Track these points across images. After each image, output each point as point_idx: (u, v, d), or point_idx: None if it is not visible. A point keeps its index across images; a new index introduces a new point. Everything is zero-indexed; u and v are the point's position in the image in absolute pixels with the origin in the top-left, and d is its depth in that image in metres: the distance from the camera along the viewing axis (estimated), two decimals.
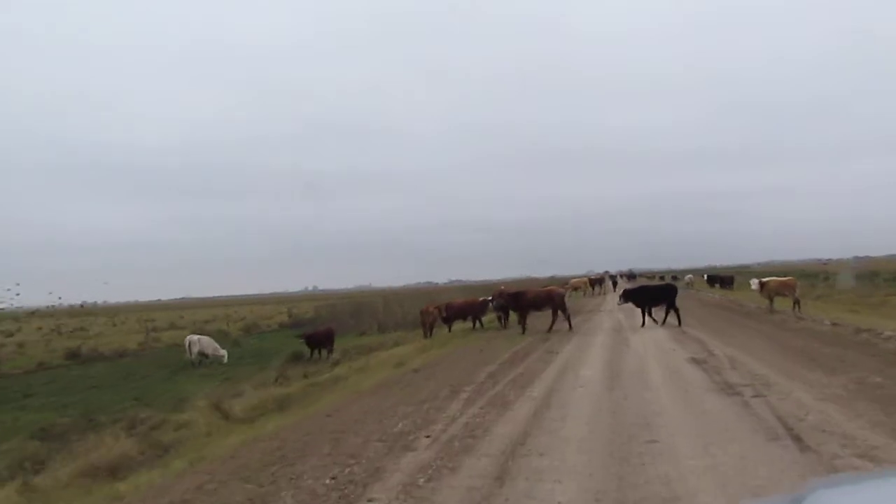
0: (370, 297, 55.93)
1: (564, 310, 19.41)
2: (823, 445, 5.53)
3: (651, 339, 15.33)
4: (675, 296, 19.51)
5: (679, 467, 5.17)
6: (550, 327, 19.34)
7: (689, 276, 58.58)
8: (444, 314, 22.16)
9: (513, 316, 20.84)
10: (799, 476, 4.70)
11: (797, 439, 5.77)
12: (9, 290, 23.26)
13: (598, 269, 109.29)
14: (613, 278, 57.12)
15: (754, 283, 21.13)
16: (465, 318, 23.28)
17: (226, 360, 24.32)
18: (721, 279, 50.49)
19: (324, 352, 22.98)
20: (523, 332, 18.88)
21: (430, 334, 21.86)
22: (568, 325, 19.16)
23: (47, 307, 30.09)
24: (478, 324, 22.90)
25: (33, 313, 34.66)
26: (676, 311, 19.07)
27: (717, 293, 39.01)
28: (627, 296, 20.09)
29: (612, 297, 41.13)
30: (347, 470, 5.78)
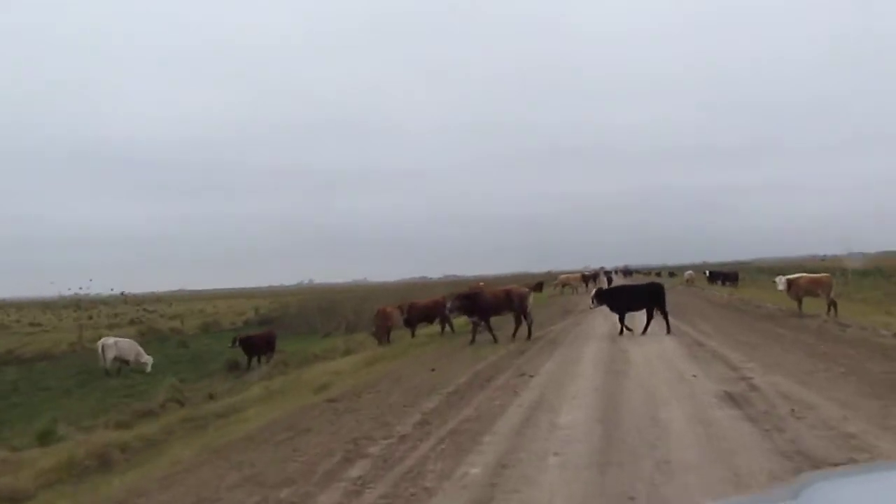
0: (348, 294, 52.23)
1: (526, 314, 15.79)
2: None
3: (658, 355, 11.61)
4: (662, 297, 15.67)
5: None
6: (514, 333, 15.70)
7: (689, 272, 54.86)
8: (406, 316, 18.39)
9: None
10: None
11: None
12: None
13: (594, 265, 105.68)
14: (608, 274, 53.47)
15: (780, 281, 17.43)
16: (431, 321, 19.53)
17: (150, 367, 20.52)
18: (724, 276, 46.84)
19: (264, 359, 19.25)
20: (472, 341, 15.39)
21: (388, 340, 18.10)
22: (527, 334, 15.60)
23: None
24: (448, 327, 19.14)
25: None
26: (665, 316, 15.41)
27: (723, 291, 35.37)
28: (601, 297, 16.23)
29: None
30: None
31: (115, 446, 7.58)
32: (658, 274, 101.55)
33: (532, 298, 16.36)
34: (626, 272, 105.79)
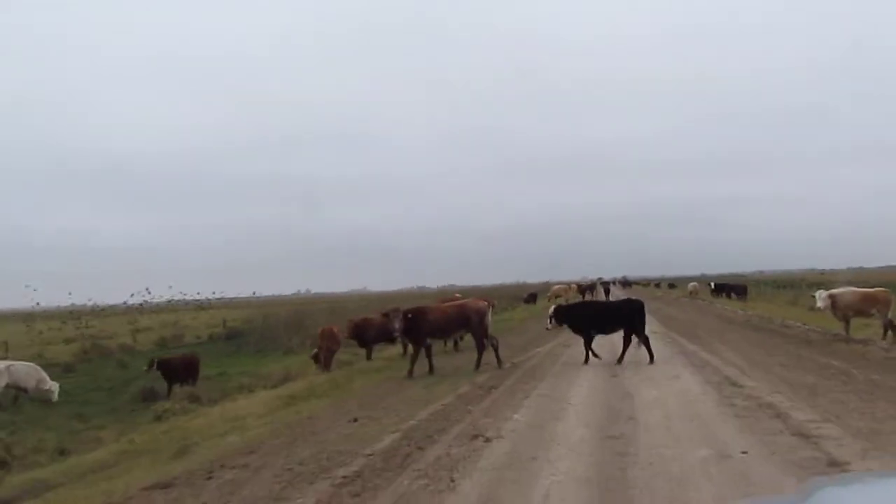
0: (334, 305, 48.75)
1: (486, 335, 12.33)
2: None
3: (677, 403, 8.09)
4: (640, 317, 12.29)
5: None
6: (477, 362, 12.17)
7: (693, 283, 51.40)
8: (353, 335, 14.87)
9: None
10: None
11: None
12: None
13: (592, 276, 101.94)
14: (606, 285, 49.97)
15: (821, 296, 13.91)
16: (392, 341, 15.98)
17: (56, 396, 16.92)
18: (732, 288, 43.36)
19: (184, 386, 15.71)
20: (409, 374, 11.75)
21: (328, 367, 14.55)
22: (496, 361, 12.14)
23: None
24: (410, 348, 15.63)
25: None
26: (646, 343, 12.12)
27: (732, 305, 31.87)
28: (561, 316, 12.79)
29: None
30: None
31: None
32: (657, 285, 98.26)
33: (490, 315, 12.73)
34: (625, 283, 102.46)
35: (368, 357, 15.78)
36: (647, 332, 18.50)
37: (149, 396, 15.96)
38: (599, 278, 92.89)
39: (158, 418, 11.83)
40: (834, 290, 13.98)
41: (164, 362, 15.86)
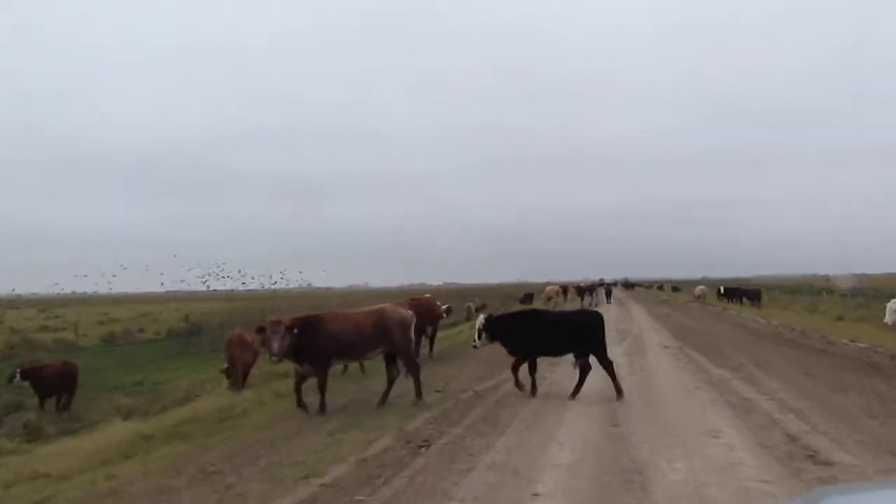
0: (310, 300, 45.30)
1: (408, 355, 8.77)
2: None
3: (731, 497, 4.52)
4: (599, 334, 8.92)
5: None
6: (385, 394, 8.60)
7: (701, 287, 47.82)
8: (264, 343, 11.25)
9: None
10: None
11: None
12: None
13: (592, 277, 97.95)
14: (608, 287, 46.27)
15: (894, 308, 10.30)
16: None
17: None
18: (745, 293, 39.76)
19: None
20: (299, 404, 8.18)
21: (241, 384, 10.97)
22: (415, 392, 8.57)
23: None
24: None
25: None
26: (609, 368, 8.68)
27: (749, 312, 28.21)
28: (493, 328, 9.03)
29: (606, 313, 29.97)
30: None
31: None
32: (660, 287, 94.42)
33: (413, 327, 8.94)
34: (627, 285, 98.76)
35: None
36: (657, 345, 14.80)
37: (14, 411, 12.45)
38: (601, 279, 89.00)
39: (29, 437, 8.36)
40: None
41: (32, 372, 12.31)
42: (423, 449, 6.13)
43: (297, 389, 8.12)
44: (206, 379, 13.76)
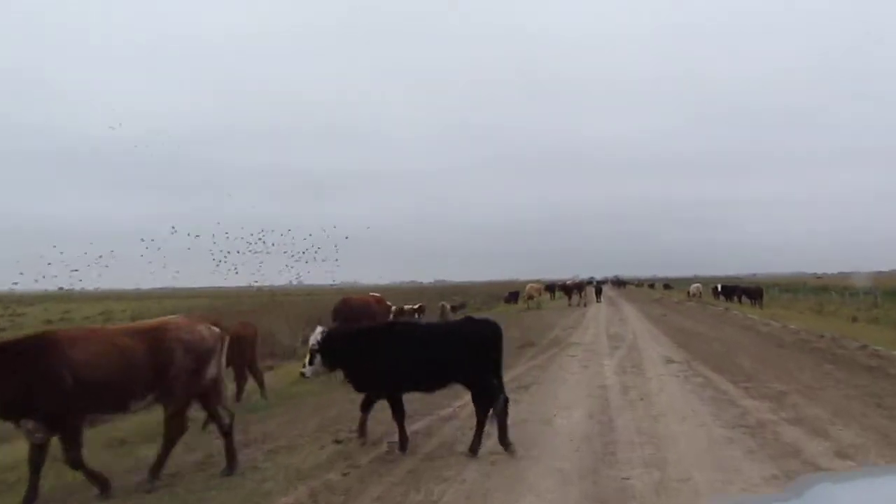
0: (268, 299, 41.85)
1: (212, 400, 5.46)
2: None
3: None
4: (494, 357, 5.81)
5: None
6: (229, 460, 5.41)
7: (696, 285, 44.94)
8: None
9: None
10: None
11: None
12: None
13: (583, 275, 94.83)
14: (598, 285, 43.21)
15: None
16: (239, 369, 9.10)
17: None
18: (745, 291, 36.86)
19: None
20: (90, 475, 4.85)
21: None
22: (226, 457, 5.40)
23: None
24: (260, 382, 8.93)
25: None
26: (502, 412, 5.69)
27: (753, 312, 25.22)
28: (330, 351, 5.86)
29: (596, 314, 27.17)
30: None
31: None
32: (651, 286, 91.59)
33: (221, 355, 5.54)
34: (618, 283, 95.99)
35: None
36: (658, 358, 11.65)
37: None
38: (591, 278, 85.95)
39: None
40: None
41: None
42: None
43: (33, 467, 4.73)
44: None
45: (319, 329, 6.11)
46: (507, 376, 10.00)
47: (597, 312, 27.47)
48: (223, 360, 5.52)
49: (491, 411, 5.58)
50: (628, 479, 4.82)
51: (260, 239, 23.60)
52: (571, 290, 34.81)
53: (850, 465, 5.07)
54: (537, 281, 56.23)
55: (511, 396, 6.94)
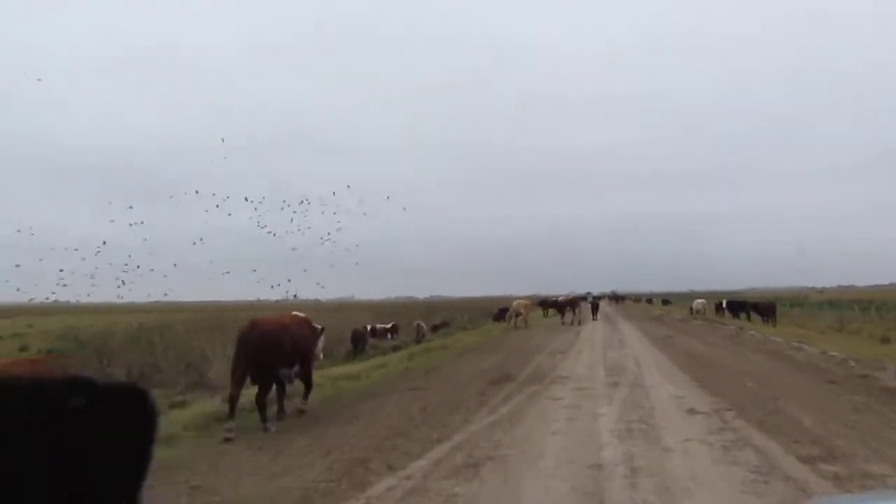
0: (234, 312, 38.33)
1: None
2: None
3: None
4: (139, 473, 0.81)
5: None
6: None
7: (701, 300, 41.76)
8: None
9: None
10: None
11: None
12: None
13: (579, 290, 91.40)
14: (595, 301, 39.90)
15: None
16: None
17: None
18: (754, 307, 33.70)
19: None
20: None
21: None
22: None
23: None
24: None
25: None
26: None
27: (768, 332, 21.95)
28: None
29: (592, 334, 23.75)
30: None
31: None
32: (649, 301, 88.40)
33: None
34: (615, 298, 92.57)
35: None
36: (674, 404, 8.45)
37: None
38: (587, 293, 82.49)
39: None
40: None
41: None
42: None
43: None
44: None
45: None
46: (453, 441, 6.69)
47: (592, 332, 24.18)
48: None
49: None
50: None
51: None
52: (564, 306, 31.39)
53: None
54: (530, 297, 52.97)
55: (441, 490, 3.65)
